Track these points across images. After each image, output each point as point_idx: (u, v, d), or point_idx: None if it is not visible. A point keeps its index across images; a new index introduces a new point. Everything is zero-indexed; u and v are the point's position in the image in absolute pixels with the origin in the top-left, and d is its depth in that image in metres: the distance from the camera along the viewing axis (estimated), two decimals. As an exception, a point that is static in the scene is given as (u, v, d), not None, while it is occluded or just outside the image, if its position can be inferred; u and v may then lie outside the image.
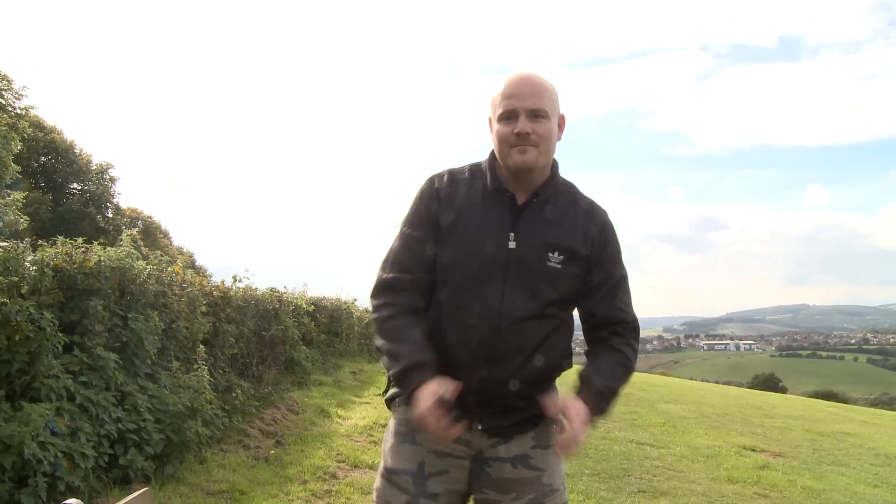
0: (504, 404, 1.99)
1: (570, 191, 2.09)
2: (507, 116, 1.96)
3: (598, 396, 1.94)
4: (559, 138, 2.03)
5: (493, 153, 2.06)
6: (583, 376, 1.99)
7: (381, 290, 2.05)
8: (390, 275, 2.03)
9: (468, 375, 1.93)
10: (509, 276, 1.95)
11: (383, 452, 2.13)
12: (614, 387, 1.98)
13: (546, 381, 2.04)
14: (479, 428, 2.00)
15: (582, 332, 2.18)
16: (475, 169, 2.08)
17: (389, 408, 2.16)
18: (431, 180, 2.07)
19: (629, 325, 2.07)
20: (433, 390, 1.85)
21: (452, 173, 2.08)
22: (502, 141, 1.97)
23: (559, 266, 1.97)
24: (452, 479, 2.02)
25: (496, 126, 2.00)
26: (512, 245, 1.96)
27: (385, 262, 2.08)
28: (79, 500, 1.94)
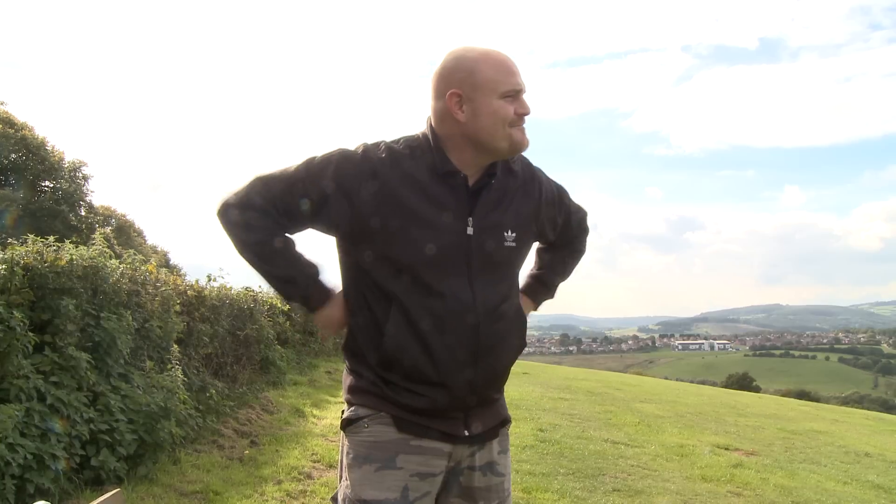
0: (489, 400, 1.92)
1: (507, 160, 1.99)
2: (513, 94, 1.83)
3: (551, 288, 2.27)
4: None
5: (432, 129, 1.88)
6: (539, 273, 2.25)
7: (246, 206, 1.83)
8: (260, 199, 1.82)
9: (451, 381, 1.81)
10: (474, 265, 1.84)
11: (352, 482, 1.83)
12: (566, 275, 2.29)
13: (518, 355, 2.01)
14: (467, 434, 1.87)
15: None
16: (413, 145, 1.88)
17: (346, 429, 1.89)
18: (366, 151, 1.84)
19: (581, 226, 2.24)
20: (337, 318, 1.94)
21: (390, 147, 1.86)
22: (503, 119, 1.82)
23: (514, 244, 1.91)
24: (431, 499, 1.87)
25: (494, 102, 1.81)
26: (470, 231, 1.83)
27: (260, 181, 1.85)
28: (47, 503, 1.91)
